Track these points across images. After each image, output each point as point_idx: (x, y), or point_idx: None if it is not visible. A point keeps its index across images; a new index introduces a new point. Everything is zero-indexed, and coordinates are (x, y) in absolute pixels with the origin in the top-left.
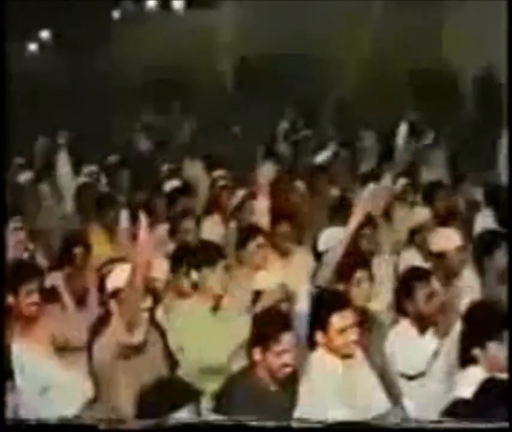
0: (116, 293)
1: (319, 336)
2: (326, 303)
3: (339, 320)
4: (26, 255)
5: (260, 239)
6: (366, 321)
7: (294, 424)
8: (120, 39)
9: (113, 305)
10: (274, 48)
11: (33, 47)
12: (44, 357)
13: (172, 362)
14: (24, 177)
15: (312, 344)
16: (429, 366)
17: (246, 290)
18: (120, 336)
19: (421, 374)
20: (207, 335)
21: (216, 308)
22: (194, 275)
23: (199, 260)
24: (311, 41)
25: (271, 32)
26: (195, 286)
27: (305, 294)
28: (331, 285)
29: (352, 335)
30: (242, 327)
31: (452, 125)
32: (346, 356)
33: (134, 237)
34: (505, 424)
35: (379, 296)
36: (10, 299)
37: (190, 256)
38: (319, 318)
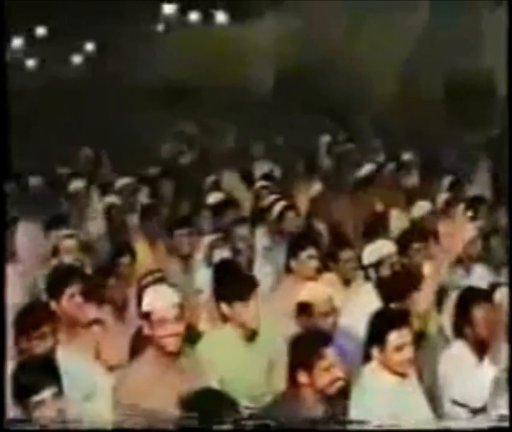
0: (147, 315)
1: (375, 352)
2: (385, 320)
3: (396, 337)
4: (76, 263)
5: (311, 251)
6: (419, 340)
7: None
8: (163, 51)
9: (146, 326)
10: (314, 60)
11: (77, 59)
12: (88, 363)
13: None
14: (73, 186)
15: (366, 358)
16: (491, 398)
17: (290, 301)
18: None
19: (482, 409)
20: (243, 365)
21: (251, 337)
22: (225, 308)
23: (230, 293)
24: (351, 54)
25: (311, 45)
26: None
27: (353, 310)
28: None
29: (408, 353)
30: (280, 352)
31: (490, 138)
32: (400, 374)
33: (173, 250)
34: (505, 424)
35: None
36: (53, 304)
37: (220, 288)
38: (376, 335)
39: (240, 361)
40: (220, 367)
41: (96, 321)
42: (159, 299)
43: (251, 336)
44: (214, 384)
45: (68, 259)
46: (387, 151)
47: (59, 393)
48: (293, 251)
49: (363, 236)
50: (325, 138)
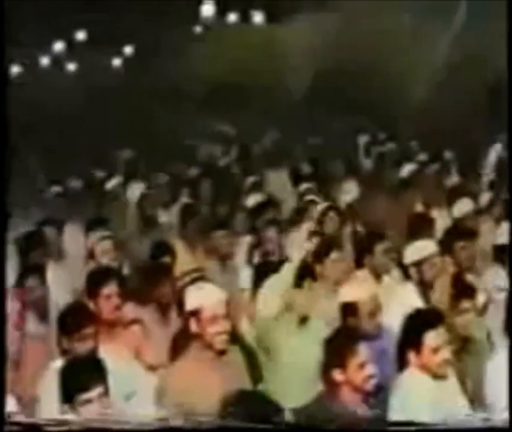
0: (195, 313)
1: (411, 356)
2: (419, 321)
3: (432, 338)
4: (113, 264)
5: (336, 254)
6: (465, 345)
7: None
8: (201, 52)
9: (193, 324)
10: (352, 60)
11: (117, 62)
12: (129, 363)
13: (256, 375)
14: (110, 186)
15: (402, 363)
16: None
17: (329, 303)
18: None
19: None
20: (296, 349)
21: (303, 322)
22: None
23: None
24: (389, 53)
25: (348, 45)
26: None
27: (393, 309)
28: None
29: (446, 353)
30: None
31: None
32: (439, 376)
33: (212, 251)
34: (505, 424)
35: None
36: (91, 305)
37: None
38: (412, 337)
39: (292, 346)
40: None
41: (136, 321)
42: (208, 296)
43: (303, 321)
44: (257, 385)
45: (104, 260)
46: (428, 151)
47: (106, 392)
48: (318, 256)
49: (407, 235)
50: (364, 138)
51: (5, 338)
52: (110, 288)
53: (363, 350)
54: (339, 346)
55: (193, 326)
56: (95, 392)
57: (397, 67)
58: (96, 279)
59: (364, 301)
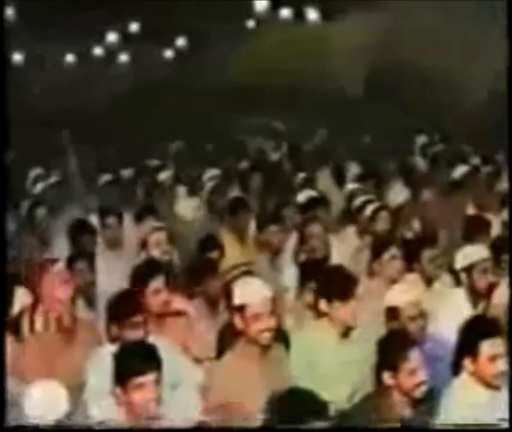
0: (241, 309)
1: (467, 362)
2: (477, 329)
3: (489, 347)
4: (165, 257)
5: (394, 251)
6: None
7: None
8: (254, 47)
9: (238, 320)
10: (404, 60)
11: (169, 53)
12: (176, 354)
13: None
14: (161, 178)
15: (457, 370)
16: None
17: (378, 304)
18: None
19: None
20: (335, 362)
21: (346, 334)
22: (323, 305)
23: (331, 290)
24: (442, 53)
25: (401, 44)
26: (322, 312)
27: (443, 315)
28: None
29: (502, 365)
30: (371, 354)
31: None
32: (493, 387)
33: (263, 245)
34: (505, 424)
35: None
36: (140, 297)
37: (321, 282)
38: (468, 344)
39: (335, 356)
40: (315, 361)
41: (182, 313)
42: (254, 293)
43: (346, 333)
44: (303, 382)
45: (156, 252)
46: (480, 153)
47: (159, 380)
48: (376, 252)
49: (461, 238)
50: (421, 139)
51: (5, 337)
52: (158, 283)
53: (415, 356)
54: (392, 349)
55: (239, 322)
56: (149, 378)
57: (452, 68)
58: (144, 273)
59: (406, 306)
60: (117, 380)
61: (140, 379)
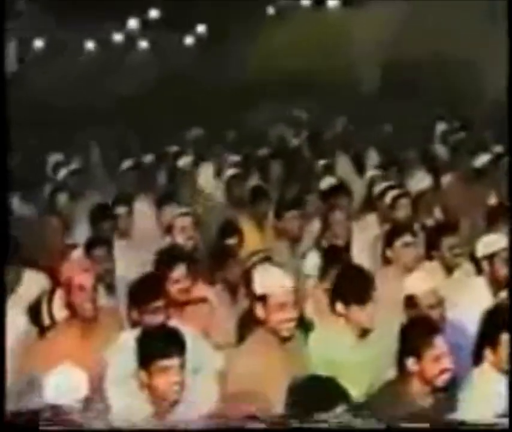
0: (263, 298)
1: (487, 352)
2: (498, 319)
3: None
4: (190, 243)
5: (407, 238)
6: None
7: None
8: (272, 34)
9: (259, 309)
10: (424, 48)
11: (189, 40)
12: (198, 339)
13: None
14: (182, 163)
15: (477, 359)
16: None
17: (396, 293)
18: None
19: None
20: (351, 362)
21: (363, 335)
22: (340, 307)
23: (348, 294)
24: (460, 41)
25: (421, 32)
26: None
27: (463, 303)
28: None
29: None
30: (389, 345)
31: None
32: None
33: (282, 232)
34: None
35: None
36: (161, 282)
37: (338, 284)
38: (489, 334)
39: (351, 356)
40: (330, 360)
41: (203, 300)
42: (276, 283)
43: (363, 334)
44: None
45: (181, 238)
46: (502, 142)
47: (183, 364)
48: (389, 239)
49: (484, 226)
50: (441, 126)
51: (5, 337)
52: (179, 272)
53: (440, 343)
54: (416, 335)
55: (260, 311)
56: (173, 361)
57: (474, 56)
58: (166, 260)
59: (424, 294)
60: (141, 363)
61: (165, 362)
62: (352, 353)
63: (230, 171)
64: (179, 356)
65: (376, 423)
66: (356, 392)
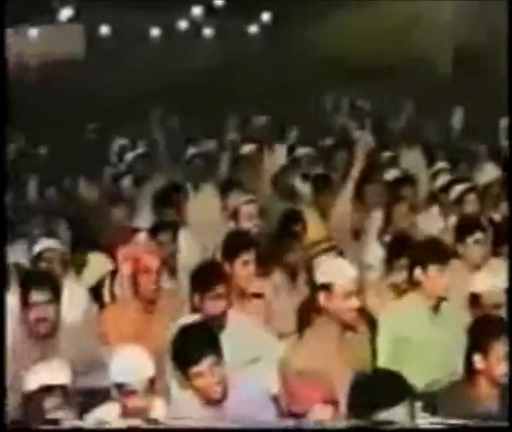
0: (326, 287)
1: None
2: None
3: None
4: (255, 230)
5: (479, 235)
6: None
7: None
8: (335, 21)
9: (322, 298)
10: (490, 39)
11: (253, 28)
12: (258, 328)
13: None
14: (245, 151)
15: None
16: None
17: (463, 290)
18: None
19: None
20: (425, 336)
21: (436, 308)
22: (418, 272)
23: (426, 257)
24: None
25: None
26: (414, 283)
27: None
28: None
29: None
30: (461, 333)
31: None
32: None
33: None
34: (505, 424)
35: None
36: (226, 267)
37: (415, 251)
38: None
39: (425, 332)
40: (404, 338)
41: (260, 296)
42: (340, 272)
43: (437, 306)
44: (388, 362)
45: (246, 225)
46: None
47: (218, 361)
48: (461, 235)
49: None
50: (504, 121)
51: (5, 337)
52: (249, 255)
53: (502, 345)
54: (484, 333)
55: (323, 300)
56: (204, 365)
57: None
58: (236, 243)
59: (488, 293)
60: (177, 368)
61: (196, 368)
62: (424, 329)
63: (293, 160)
64: (210, 356)
65: (441, 423)
66: (423, 377)
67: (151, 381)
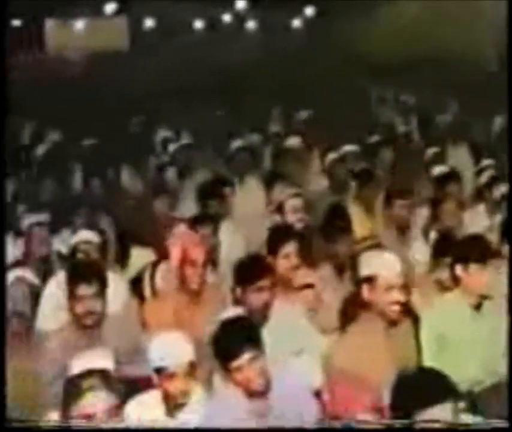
0: (370, 280)
1: None
2: None
3: None
4: (300, 225)
5: None
6: None
7: None
8: (384, 15)
9: (366, 291)
10: None
11: (297, 22)
12: (303, 321)
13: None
14: (289, 143)
15: None
16: None
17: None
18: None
19: None
20: (466, 337)
21: (478, 307)
22: (459, 269)
23: (468, 254)
24: None
25: None
26: (457, 280)
27: None
28: None
29: None
30: (503, 333)
31: None
32: None
33: (391, 218)
34: (505, 424)
35: None
36: (270, 259)
37: (458, 248)
38: None
39: (467, 330)
40: (446, 336)
41: (309, 286)
42: (385, 264)
43: (479, 305)
44: (432, 359)
45: (292, 218)
46: None
47: (258, 354)
48: (505, 234)
49: None
50: None
51: (5, 337)
52: (290, 247)
53: None
54: None
55: (366, 293)
56: (243, 359)
57: None
58: (279, 235)
59: None
60: (219, 363)
61: (236, 363)
62: (466, 327)
63: (339, 156)
64: (249, 351)
65: (484, 422)
66: (465, 374)
67: (192, 365)
